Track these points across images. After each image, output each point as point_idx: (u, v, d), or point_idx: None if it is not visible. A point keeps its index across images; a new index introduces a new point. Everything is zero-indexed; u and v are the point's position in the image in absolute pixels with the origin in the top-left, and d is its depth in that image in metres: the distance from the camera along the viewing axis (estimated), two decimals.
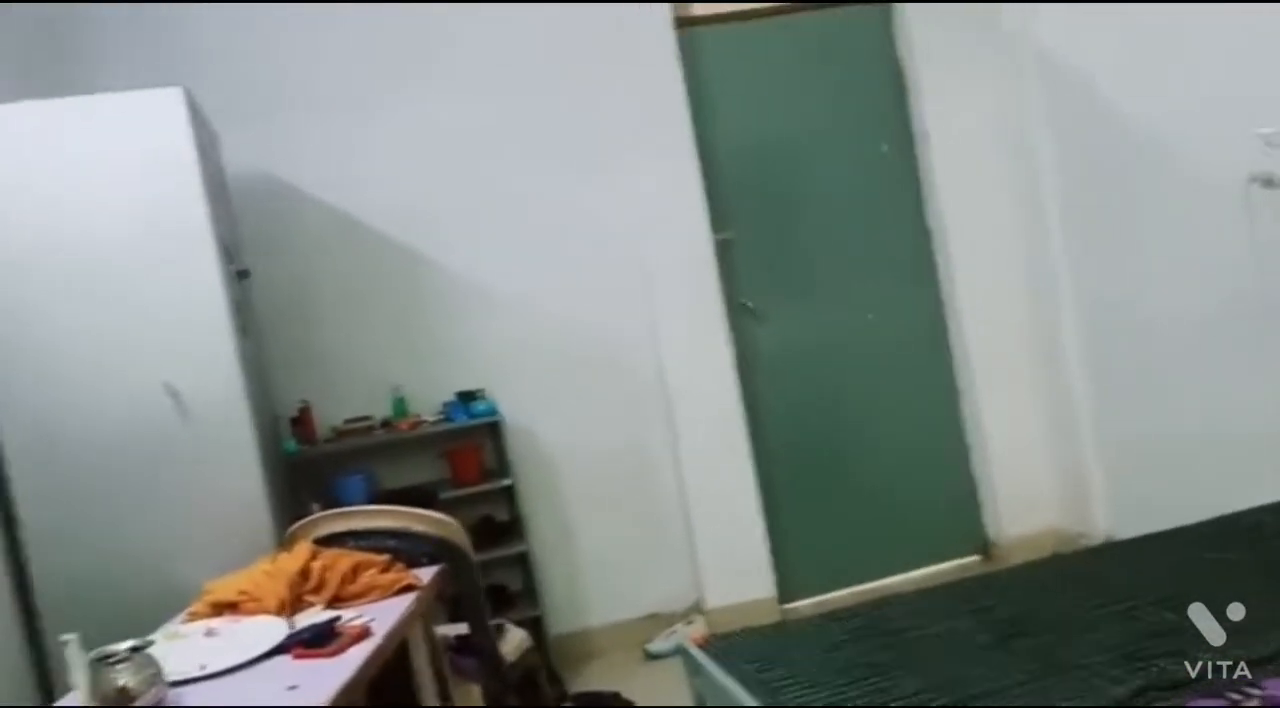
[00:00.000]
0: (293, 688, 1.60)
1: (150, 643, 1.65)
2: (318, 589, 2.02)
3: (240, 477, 2.58)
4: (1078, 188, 3.49)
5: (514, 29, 3.53)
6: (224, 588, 2.03)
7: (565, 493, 3.63)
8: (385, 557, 2.16)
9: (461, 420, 3.38)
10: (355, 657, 1.72)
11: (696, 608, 3.66)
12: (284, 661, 1.74)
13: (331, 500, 3.06)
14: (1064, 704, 1.55)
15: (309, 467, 3.25)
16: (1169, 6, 2.86)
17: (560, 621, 3.55)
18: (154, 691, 1.55)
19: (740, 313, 3.72)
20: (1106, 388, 3.54)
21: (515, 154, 3.55)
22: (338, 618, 1.88)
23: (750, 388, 3.68)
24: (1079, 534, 3.69)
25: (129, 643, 1.59)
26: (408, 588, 2.07)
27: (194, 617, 1.99)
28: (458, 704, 2.37)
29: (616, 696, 3.12)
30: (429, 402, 3.46)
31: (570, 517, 3.63)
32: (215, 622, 1.93)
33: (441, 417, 3.42)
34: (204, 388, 2.54)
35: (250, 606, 1.96)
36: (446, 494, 3.29)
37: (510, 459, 3.43)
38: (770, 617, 3.54)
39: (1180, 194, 3.02)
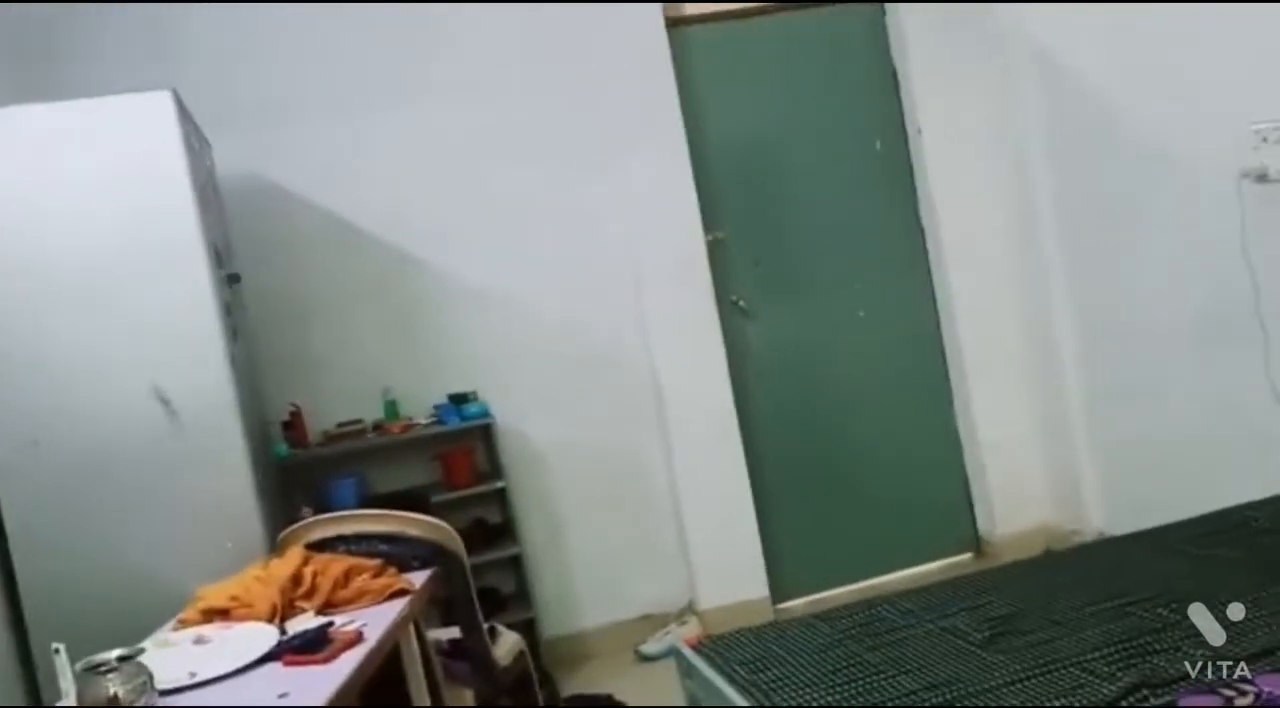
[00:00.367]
0: (283, 695, 1.59)
1: (140, 651, 1.63)
2: (310, 595, 2.01)
3: (231, 482, 2.55)
4: (1071, 185, 3.50)
5: (505, 31, 3.52)
6: (215, 594, 2.01)
7: (557, 494, 3.62)
8: (377, 561, 2.16)
9: (454, 423, 3.37)
10: (347, 663, 1.71)
11: (689, 609, 3.66)
12: (275, 668, 1.73)
13: (323, 504, 3.05)
14: (1057, 703, 1.55)
15: (300, 471, 3.24)
16: (1162, 2, 2.87)
17: (553, 623, 3.54)
18: (144, 699, 1.54)
19: (732, 311, 3.72)
20: (1099, 385, 3.55)
21: (507, 155, 3.54)
22: (330, 624, 1.87)
23: (742, 387, 3.68)
24: (1071, 531, 3.70)
25: (118, 651, 1.58)
26: (400, 593, 2.06)
27: (184, 624, 1.98)
28: None
29: (610, 698, 3.12)
30: (421, 404, 3.45)
31: (563, 518, 3.63)
32: (206, 629, 1.92)
33: (433, 419, 3.41)
34: (194, 393, 2.52)
35: (241, 612, 1.95)
36: (439, 497, 3.28)
37: (503, 462, 3.42)
38: (763, 616, 3.54)
39: (1173, 191, 3.03)
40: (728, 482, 3.62)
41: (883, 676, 1.74)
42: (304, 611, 1.96)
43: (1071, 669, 1.65)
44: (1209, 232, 2.87)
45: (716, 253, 3.66)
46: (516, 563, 3.44)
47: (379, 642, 1.82)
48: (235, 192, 3.18)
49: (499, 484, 3.38)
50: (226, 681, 1.70)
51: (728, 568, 3.62)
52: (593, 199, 3.59)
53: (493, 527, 3.47)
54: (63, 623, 2.20)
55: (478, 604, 2.43)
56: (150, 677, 1.57)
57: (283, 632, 1.85)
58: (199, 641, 1.86)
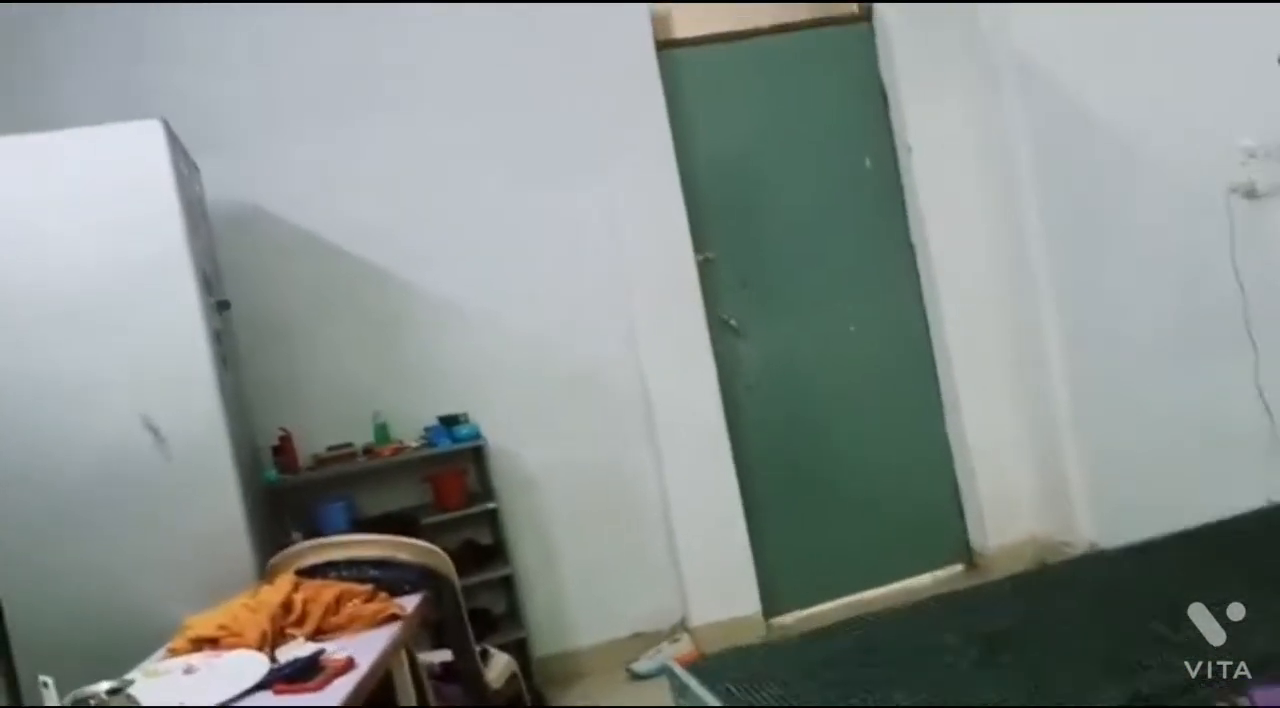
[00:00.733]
0: None
1: (129, 683, 1.63)
2: (300, 622, 2.00)
3: (220, 510, 2.54)
4: (1059, 200, 3.52)
5: (493, 50, 3.54)
6: (204, 623, 2.01)
7: (548, 514, 3.61)
8: (369, 587, 2.15)
9: (444, 445, 3.36)
10: (339, 690, 1.70)
11: (681, 626, 3.65)
12: (266, 697, 1.72)
13: (313, 529, 3.03)
14: None
15: (290, 495, 3.22)
16: (1150, 18, 2.89)
17: (545, 642, 3.52)
18: None
19: (723, 330, 3.73)
20: (1088, 397, 3.56)
21: (496, 176, 3.56)
22: (321, 651, 1.86)
23: (733, 404, 3.69)
24: (1062, 542, 3.70)
25: (106, 684, 1.57)
26: (392, 618, 2.05)
27: (174, 653, 1.97)
28: None
29: None
30: (411, 427, 3.43)
31: (554, 537, 3.62)
32: (195, 658, 1.91)
33: (424, 442, 3.40)
34: (184, 421, 2.52)
35: (231, 640, 1.94)
36: (429, 519, 3.26)
37: (494, 483, 3.41)
38: (756, 633, 3.54)
39: (1161, 205, 3.05)
40: (719, 500, 3.62)
41: (876, 694, 1.74)
42: (295, 638, 1.95)
43: (1066, 685, 1.65)
44: (1197, 245, 2.89)
45: (707, 273, 3.68)
46: (508, 584, 3.42)
47: (371, 668, 1.81)
48: (223, 217, 3.19)
49: (490, 505, 3.37)
50: None
51: (719, 585, 3.61)
52: (584, 219, 3.60)
53: (484, 548, 3.46)
54: (50, 652, 2.19)
55: (469, 627, 2.43)
56: None
57: (273, 659, 1.84)
58: (188, 670, 1.85)
